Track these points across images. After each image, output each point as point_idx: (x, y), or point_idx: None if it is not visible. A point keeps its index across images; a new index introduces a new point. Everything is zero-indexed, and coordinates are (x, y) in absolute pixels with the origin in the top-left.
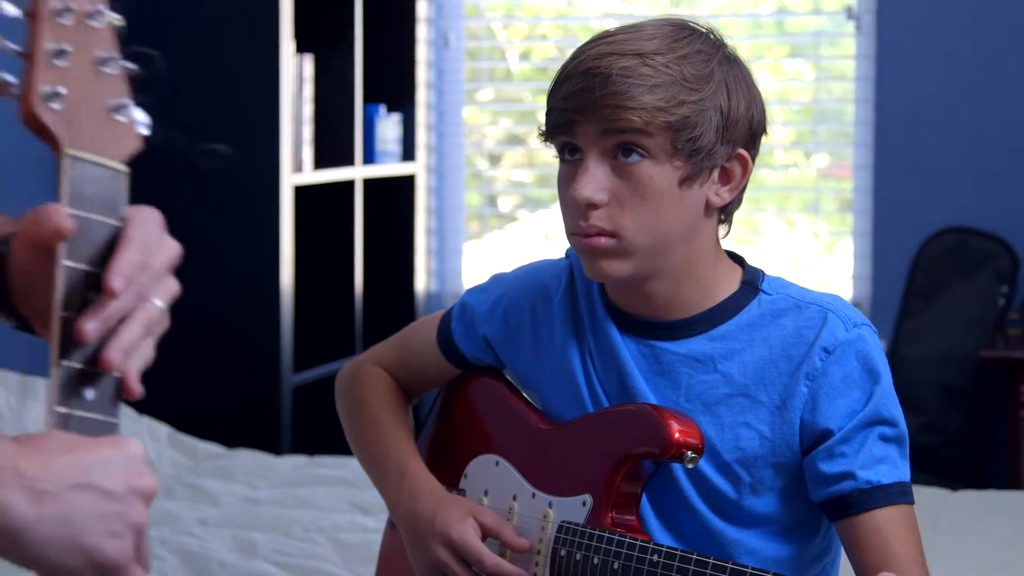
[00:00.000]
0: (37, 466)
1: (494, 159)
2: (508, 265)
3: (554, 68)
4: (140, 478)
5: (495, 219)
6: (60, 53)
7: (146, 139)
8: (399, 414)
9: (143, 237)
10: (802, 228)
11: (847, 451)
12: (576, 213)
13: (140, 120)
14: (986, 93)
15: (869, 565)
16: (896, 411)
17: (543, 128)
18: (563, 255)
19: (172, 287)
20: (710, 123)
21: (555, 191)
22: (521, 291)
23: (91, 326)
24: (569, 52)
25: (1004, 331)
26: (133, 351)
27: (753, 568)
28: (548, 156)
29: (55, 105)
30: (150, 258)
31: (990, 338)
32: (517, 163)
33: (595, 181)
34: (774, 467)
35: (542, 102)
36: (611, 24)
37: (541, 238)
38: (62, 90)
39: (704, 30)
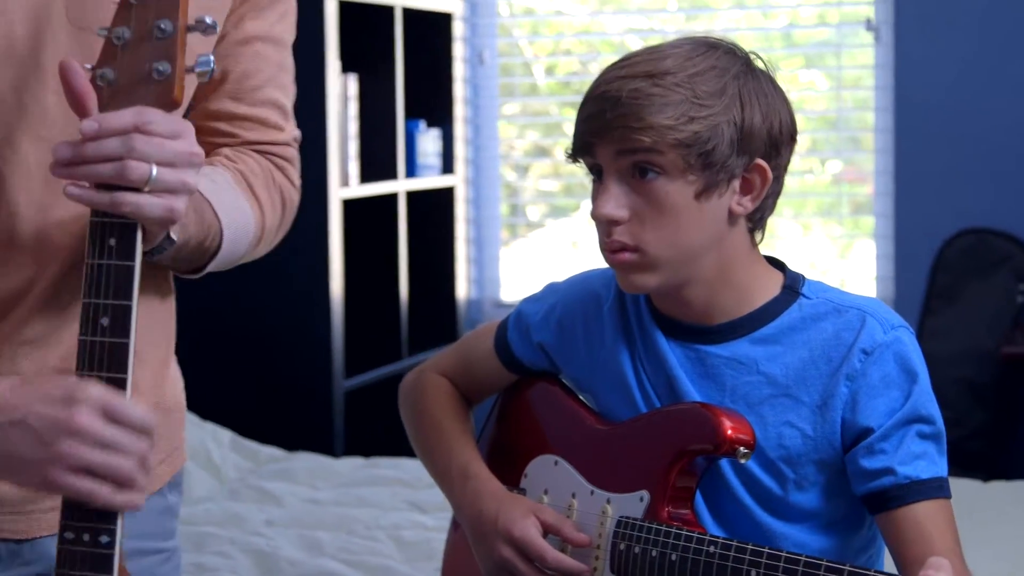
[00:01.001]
0: None
1: (522, 170)
2: (539, 272)
3: (578, 82)
4: (69, 416)
5: (524, 227)
6: (120, 36)
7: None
8: (461, 419)
9: (152, 112)
10: (817, 232)
11: (887, 448)
12: (601, 230)
13: (200, 64)
14: (999, 100)
15: (908, 557)
16: (934, 409)
17: (569, 150)
18: None
19: (186, 177)
20: (723, 137)
21: (579, 199)
22: (573, 299)
23: (63, 148)
24: (592, 67)
25: (1023, 328)
26: (90, 178)
27: (807, 556)
28: (573, 166)
29: (103, 82)
30: (154, 126)
31: (1010, 335)
32: (543, 174)
33: (615, 199)
34: (817, 464)
35: (567, 114)
36: (631, 39)
37: (567, 245)
38: (107, 69)
39: (727, 45)
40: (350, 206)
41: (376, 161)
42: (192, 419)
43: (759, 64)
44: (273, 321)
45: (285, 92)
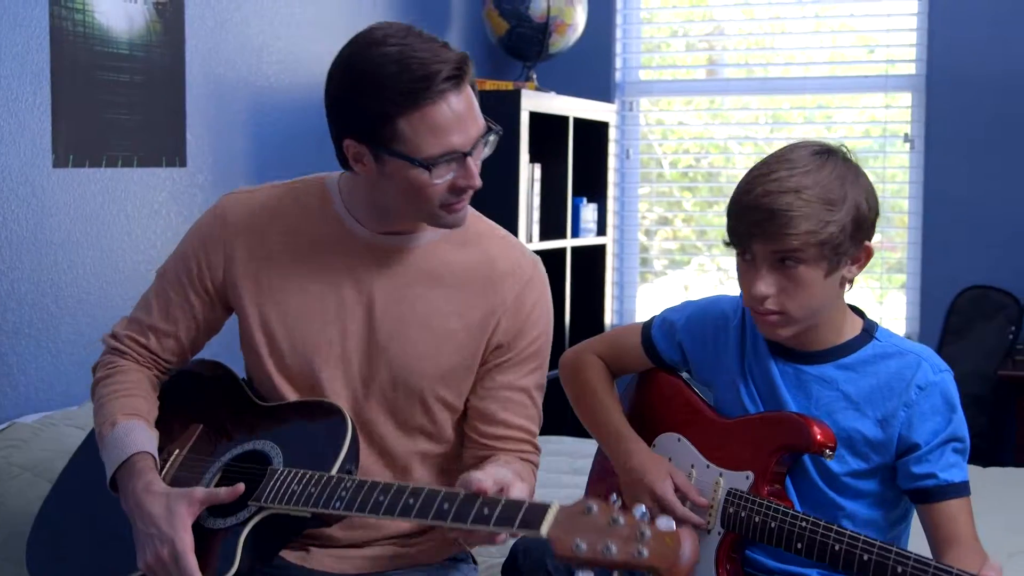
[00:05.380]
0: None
1: (651, 234)
2: (662, 305)
3: (692, 173)
4: (160, 548)
5: (651, 275)
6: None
7: None
8: (611, 390)
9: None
10: (860, 284)
11: (931, 459)
12: (752, 300)
13: None
14: (999, 196)
15: (941, 538)
16: (964, 432)
17: (727, 239)
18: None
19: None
20: (845, 232)
21: (690, 256)
22: (708, 313)
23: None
24: (703, 161)
25: (1013, 358)
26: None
27: (865, 536)
28: (687, 232)
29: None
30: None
31: (1003, 362)
32: (665, 237)
33: (765, 282)
34: (872, 461)
35: (684, 195)
36: (732, 143)
37: (681, 287)
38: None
39: (833, 149)
40: None
41: (551, 225)
42: None
43: (850, 157)
44: None
45: (531, 418)
